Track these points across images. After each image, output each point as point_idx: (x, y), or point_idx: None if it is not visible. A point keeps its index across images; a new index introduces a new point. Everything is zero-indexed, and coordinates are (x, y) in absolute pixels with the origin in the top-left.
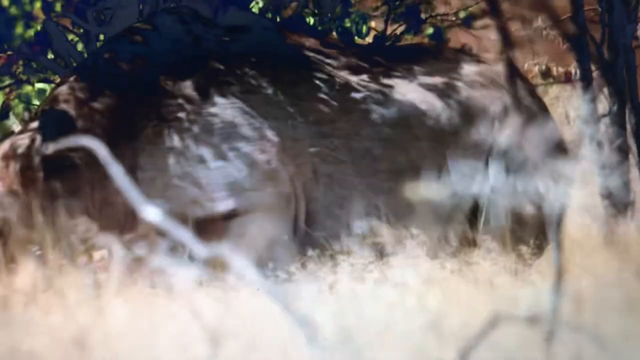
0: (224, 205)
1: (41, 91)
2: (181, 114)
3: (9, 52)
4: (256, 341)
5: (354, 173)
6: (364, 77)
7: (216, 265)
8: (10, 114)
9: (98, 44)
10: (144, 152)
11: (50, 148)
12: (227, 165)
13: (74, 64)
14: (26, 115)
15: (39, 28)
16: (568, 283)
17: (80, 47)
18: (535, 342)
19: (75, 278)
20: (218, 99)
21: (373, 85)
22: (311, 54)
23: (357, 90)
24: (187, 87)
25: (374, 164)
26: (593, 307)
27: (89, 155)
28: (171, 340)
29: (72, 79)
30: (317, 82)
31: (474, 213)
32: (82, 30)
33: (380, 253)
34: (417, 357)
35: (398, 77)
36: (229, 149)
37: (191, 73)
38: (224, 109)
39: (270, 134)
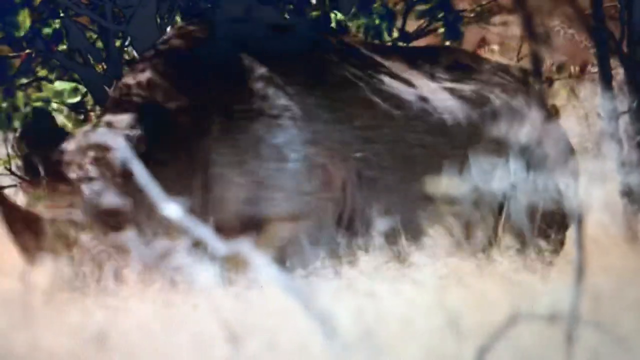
0: (283, 206)
1: (59, 92)
2: (247, 111)
3: (28, 51)
4: (276, 339)
5: (395, 178)
6: (407, 82)
7: (236, 263)
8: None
9: (117, 42)
10: (215, 148)
11: (72, 145)
12: (289, 167)
13: (92, 62)
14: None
15: (57, 26)
16: (587, 281)
17: (99, 44)
18: (554, 340)
19: (94, 275)
20: (278, 100)
21: (412, 91)
22: (354, 57)
23: (401, 97)
24: (254, 84)
25: (413, 169)
26: (612, 304)
27: None
28: (191, 338)
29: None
30: (362, 84)
31: (494, 210)
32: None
33: (400, 251)
34: (435, 355)
35: (435, 83)
36: (291, 151)
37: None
38: (283, 110)
39: (322, 137)
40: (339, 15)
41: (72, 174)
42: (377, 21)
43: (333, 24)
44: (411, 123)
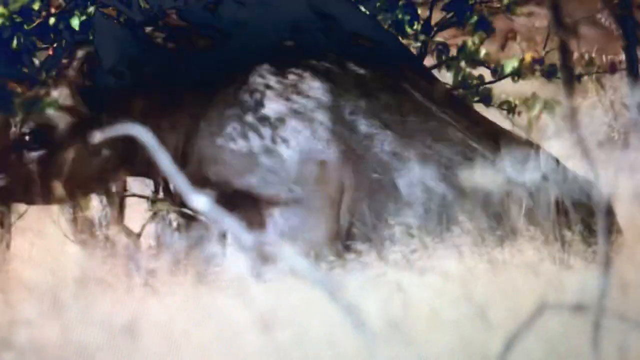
0: (282, 193)
1: None
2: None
3: (55, 44)
4: (304, 330)
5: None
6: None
7: (264, 255)
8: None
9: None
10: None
11: (97, 137)
12: (283, 153)
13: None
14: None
15: (84, 17)
16: (614, 271)
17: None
18: (581, 330)
19: (125, 265)
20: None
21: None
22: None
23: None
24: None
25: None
26: (639, 295)
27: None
28: (220, 329)
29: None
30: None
31: (521, 200)
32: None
33: (427, 241)
34: (463, 345)
35: None
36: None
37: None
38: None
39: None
40: (364, 10)
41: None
42: (399, 15)
43: None
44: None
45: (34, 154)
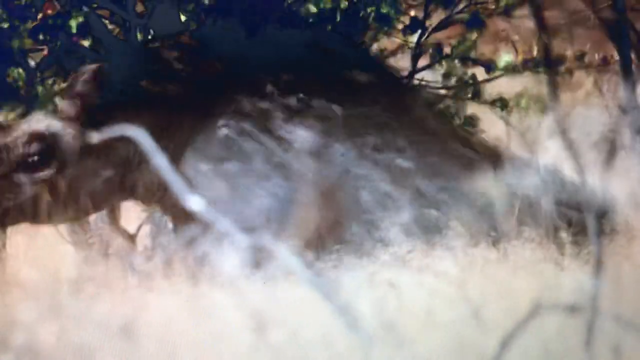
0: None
1: None
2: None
3: (52, 45)
4: (298, 330)
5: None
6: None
7: (259, 255)
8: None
9: (138, 35)
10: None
11: (95, 138)
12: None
13: (115, 54)
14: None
15: (80, 19)
16: (608, 272)
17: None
18: (576, 331)
19: (121, 266)
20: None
21: None
22: None
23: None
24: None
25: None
26: (633, 296)
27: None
28: (216, 329)
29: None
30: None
31: (517, 201)
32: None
33: (421, 241)
34: (458, 345)
35: None
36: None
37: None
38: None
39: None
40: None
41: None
42: (384, 10)
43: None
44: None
45: (39, 175)
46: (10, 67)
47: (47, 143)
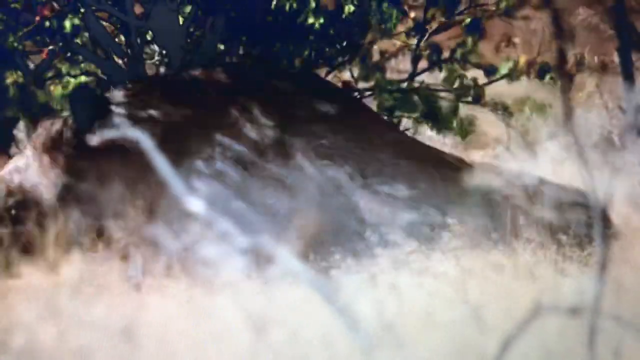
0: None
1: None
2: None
3: (51, 47)
4: (298, 331)
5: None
6: None
7: (259, 256)
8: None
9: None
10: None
11: (95, 140)
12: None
13: (114, 57)
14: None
15: (77, 21)
16: (609, 274)
17: (119, 39)
18: (577, 332)
19: (120, 269)
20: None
21: None
22: None
23: None
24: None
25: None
26: (634, 298)
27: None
28: (216, 330)
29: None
30: None
31: (517, 202)
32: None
33: (422, 243)
34: (458, 347)
35: None
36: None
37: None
38: None
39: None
40: (351, 8)
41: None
42: (385, 10)
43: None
44: None
45: (18, 228)
46: (8, 70)
47: (25, 196)
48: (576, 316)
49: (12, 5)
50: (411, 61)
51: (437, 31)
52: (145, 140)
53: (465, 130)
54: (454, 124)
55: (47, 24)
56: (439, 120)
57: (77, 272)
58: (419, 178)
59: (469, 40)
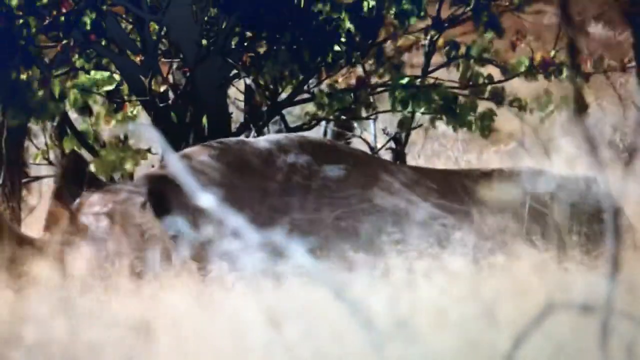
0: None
1: (96, 81)
2: None
3: (65, 41)
4: (311, 328)
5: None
6: None
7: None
8: (66, 100)
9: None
10: None
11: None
12: None
13: (128, 52)
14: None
15: (93, 16)
16: (622, 272)
17: (133, 35)
18: (589, 330)
19: (134, 263)
20: None
21: None
22: None
23: None
24: None
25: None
26: None
27: None
28: (229, 326)
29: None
30: None
31: (530, 200)
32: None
33: (435, 240)
34: (470, 344)
35: None
36: None
37: None
38: None
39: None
40: (371, 3)
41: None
42: (405, 6)
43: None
44: None
45: None
46: (21, 66)
47: None
48: (589, 314)
49: (38, 4)
50: (424, 56)
51: (452, 24)
52: (159, 139)
53: (486, 126)
54: (472, 120)
55: (62, 18)
56: (456, 115)
57: (91, 266)
58: (435, 179)
59: (486, 37)
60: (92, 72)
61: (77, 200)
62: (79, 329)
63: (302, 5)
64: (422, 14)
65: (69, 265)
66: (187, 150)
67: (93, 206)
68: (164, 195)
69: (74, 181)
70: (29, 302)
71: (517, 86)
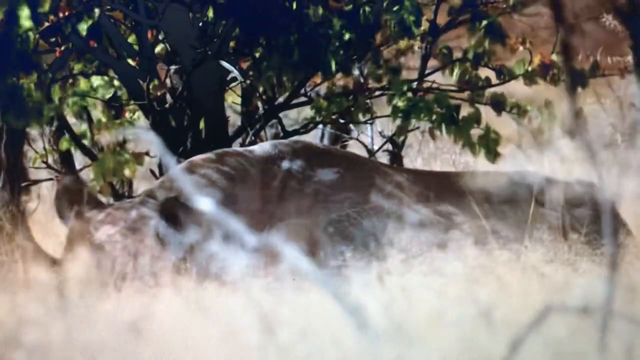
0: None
1: (95, 87)
2: None
3: (64, 47)
4: (307, 330)
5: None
6: None
7: (268, 255)
8: (65, 105)
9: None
10: None
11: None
12: None
13: (126, 56)
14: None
15: (91, 22)
16: (621, 273)
17: (131, 39)
18: (588, 332)
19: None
20: None
21: None
22: None
23: None
24: None
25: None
26: None
27: None
28: (224, 328)
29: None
30: None
31: (526, 202)
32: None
33: (431, 243)
34: (467, 347)
35: None
36: None
37: None
38: None
39: None
40: (367, 9)
41: None
42: (404, 15)
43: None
44: None
45: None
46: (20, 72)
47: None
48: (587, 316)
49: (39, 10)
50: (421, 59)
51: (447, 29)
52: (157, 143)
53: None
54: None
55: (61, 24)
56: (457, 125)
57: (86, 268)
58: (430, 181)
59: (486, 42)
60: (92, 78)
61: (90, 218)
62: (76, 330)
63: (294, 8)
64: (423, 26)
65: (69, 269)
66: (188, 160)
67: (104, 224)
68: (177, 218)
69: (72, 202)
70: (28, 303)
71: (514, 89)
